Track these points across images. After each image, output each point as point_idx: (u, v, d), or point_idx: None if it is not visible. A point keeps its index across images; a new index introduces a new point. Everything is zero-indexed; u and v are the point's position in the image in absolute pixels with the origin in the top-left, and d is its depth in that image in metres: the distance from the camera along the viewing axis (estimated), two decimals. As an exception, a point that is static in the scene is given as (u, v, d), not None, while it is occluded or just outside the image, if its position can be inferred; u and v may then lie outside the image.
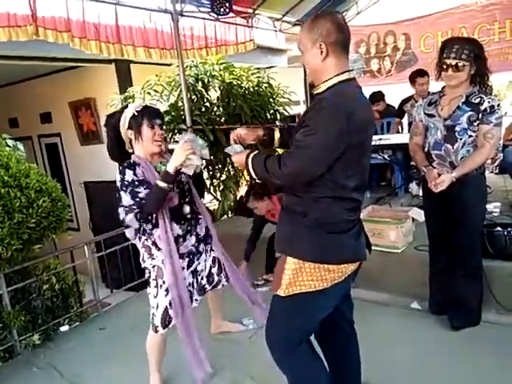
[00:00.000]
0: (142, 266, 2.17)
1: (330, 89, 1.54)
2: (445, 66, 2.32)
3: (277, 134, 1.90)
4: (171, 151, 2.05)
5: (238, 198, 5.16)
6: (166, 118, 4.42)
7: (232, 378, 2.37)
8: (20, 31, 2.96)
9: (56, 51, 4.23)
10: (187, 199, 2.18)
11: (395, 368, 2.29)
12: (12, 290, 2.96)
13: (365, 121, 1.55)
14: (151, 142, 2.04)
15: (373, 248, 1.80)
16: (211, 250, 2.32)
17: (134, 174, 1.97)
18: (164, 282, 2.09)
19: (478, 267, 2.56)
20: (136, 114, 2.03)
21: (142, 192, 1.96)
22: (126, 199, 1.96)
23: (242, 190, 5.30)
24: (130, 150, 2.10)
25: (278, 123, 5.10)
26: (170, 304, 2.10)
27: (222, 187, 4.83)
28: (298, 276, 1.57)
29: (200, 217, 2.26)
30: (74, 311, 3.37)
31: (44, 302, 3.14)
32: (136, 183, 1.96)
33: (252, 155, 1.62)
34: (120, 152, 2.11)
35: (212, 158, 4.33)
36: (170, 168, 1.94)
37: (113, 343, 2.93)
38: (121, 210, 2.00)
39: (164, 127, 2.16)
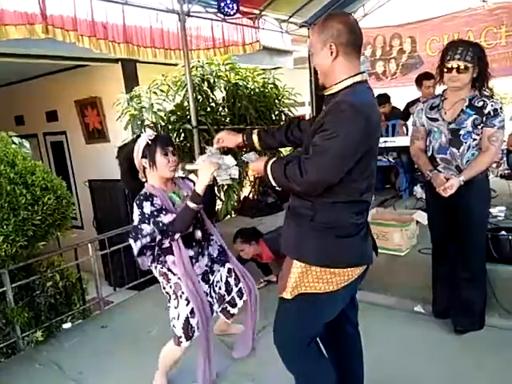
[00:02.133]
0: (164, 292, 2.20)
1: (345, 90, 1.51)
2: (446, 69, 2.32)
3: (255, 139, 1.90)
4: (191, 172, 2.08)
5: (241, 199, 5.17)
6: (172, 118, 4.44)
7: (233, 379, 2.37)
8: (29, 29, 2.97)
9: (63, 50, 4.25)
10: (198, 225, 2.21)
11: (398, 371, 2.28)
12: (16, 286, 2.97)
13: (378, 122, 1.55)
14: (166, 168, 2.08)
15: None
16: (226, 261, 2.34)
17: (152, 205, 2.01)
18: (183, 293, 2.10)
19: (482, 271, 2.56)
20: (149, 142, 2.06)
21: (163, 218, 2.00)
22: (148, 228, 2.00)
23: (246, 191, 5.31)
24: (143, 179, 2.14)
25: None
26: (192, 313, 2.09)
27: (225, 187, 4.84)
28: (304, 278, 1.57)
29: (212, 238, 2.29)
30: (76, 309, 3.38)
31: (47, 299, 3.16)
32: (155, 213, 2.01)
33: (271, 162, 1.59)
34: (134, 180, 2.16)
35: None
36: (199, 188, 1.99)
37: (115, 341, 2.93)
38: (132, 242, 2.04)
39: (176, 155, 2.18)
